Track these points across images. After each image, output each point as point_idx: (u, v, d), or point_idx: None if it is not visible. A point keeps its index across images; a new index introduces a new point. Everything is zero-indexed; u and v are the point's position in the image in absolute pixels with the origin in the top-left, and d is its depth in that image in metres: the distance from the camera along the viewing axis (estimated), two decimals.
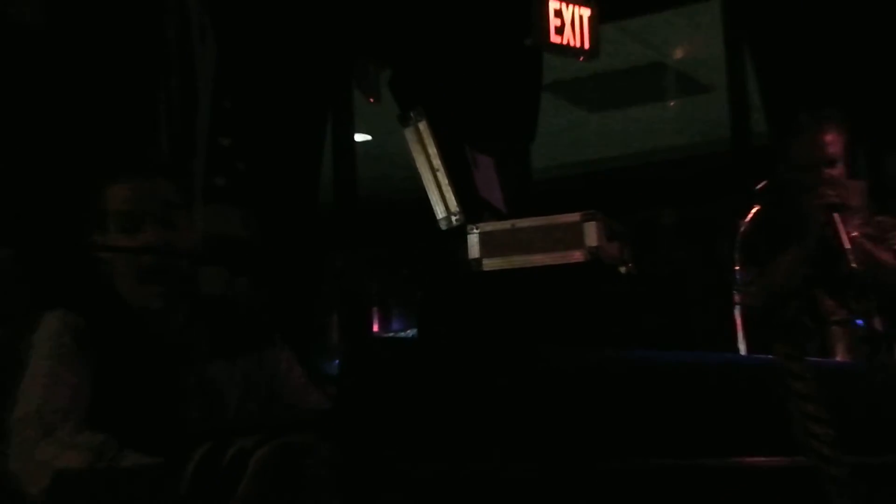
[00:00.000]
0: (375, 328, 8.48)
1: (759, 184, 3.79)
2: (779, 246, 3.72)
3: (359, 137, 7.68)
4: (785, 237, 3.74)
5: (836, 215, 3.60)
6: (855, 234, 3.64)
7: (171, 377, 2.89)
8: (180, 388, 2.89)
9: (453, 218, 3.47)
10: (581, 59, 5.42)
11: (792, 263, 3.68)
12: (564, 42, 5.15)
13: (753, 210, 3.68)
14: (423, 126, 3.60)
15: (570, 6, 5.14)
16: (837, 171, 3.76)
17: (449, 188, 3.51)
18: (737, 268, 3.52)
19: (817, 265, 3.71)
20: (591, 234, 3.29)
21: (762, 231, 3.66)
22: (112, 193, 3.00)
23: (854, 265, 3.50)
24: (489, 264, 3.35)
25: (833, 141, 3.78)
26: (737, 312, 3.43)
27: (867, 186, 3.96)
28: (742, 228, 3.62)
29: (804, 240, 3.69)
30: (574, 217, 3.33)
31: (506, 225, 3.42)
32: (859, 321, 3.55)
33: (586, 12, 5.18)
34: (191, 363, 2.95)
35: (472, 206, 3.54)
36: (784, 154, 3.84)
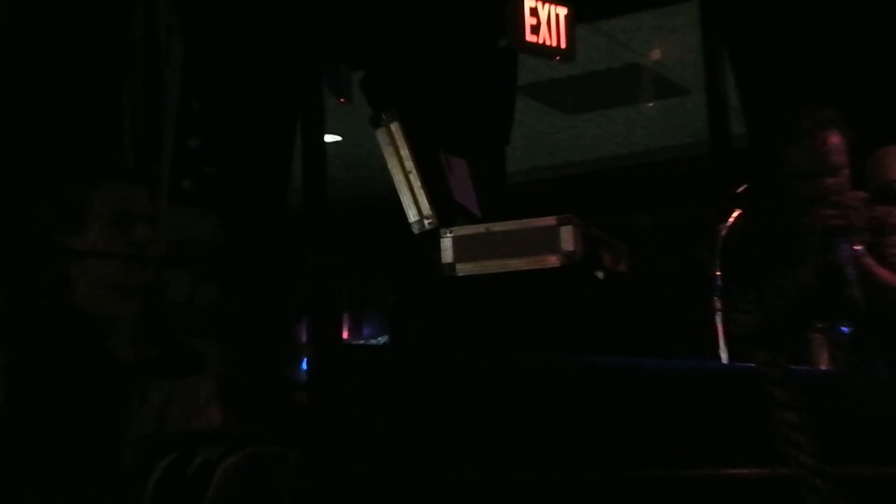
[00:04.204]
0: (346, 335, 8.45)
1: (738, 187, 3.74)
2: (776, 264, 3.62)
3: (329, 139, 7.65)
4: (783, 256, 3.63)
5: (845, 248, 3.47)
6: (858, 247, 3.52)
7: (118, 393, 2.84)
8: (125, 405, 2.84)
9: (426, 221, 3.45)
10: (557, 59, 5.41)
11: (790, 289, 3.56)
12: (540, 42, 5.13)
13: (734, 214, 3.63)
14: (395, 127, 3.58)
15: (546, 5, 5.12)
16: (840, 179, 3.61)
17: (422, 191, 3.50)
18: (717, 273, 3.48)
19: (815, 291, 3.60)
20: (567, 238, 3.28)
21: (755, 243, 3.59)
22: (106, 192, 2.96)
23: (857, 296, 3.44)
24: (463, 269, 3.34)
25: (836, 148, 3.62)
26: (717, 319, 3.41)
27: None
28: (723, 233, 3.57)
29: (803, 266, 3.55)
30: (549, 221, 3.32)
31: (480, 229, 3.41)
32: (843, 328, 3.51)
33: (563, 11, 5.17)
34: (137, 379, 2.89)
35: (446, 210, 3.53)
36: (782, 161, 3.70)
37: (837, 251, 3.54)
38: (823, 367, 3.36)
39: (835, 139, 3.65)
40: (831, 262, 3.55)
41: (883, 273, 3.59)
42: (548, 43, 5.17)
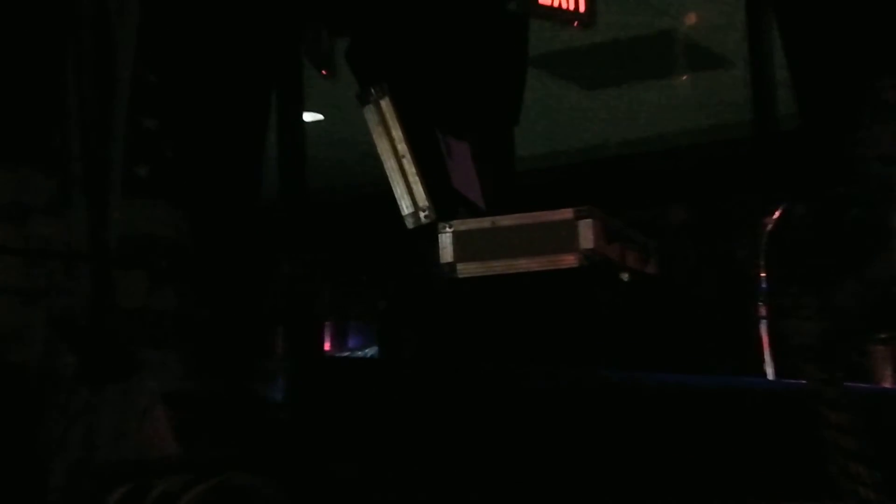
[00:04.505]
0: (328, 346, 8.45)
1: (786, 175, 3.75)
2: (845, 262, 3.61)
3: (309, 118, 7.66)
4: (854, 253, 3.63)
5: None
6: None
7: (30, 405, 2.84)
8: (40, 417, 2.84)
9: (422, 214, 3.46)
10: (575, 25, 5.42)
11: (861, 292, 3.55)
12: (555, 5, 5.14)
13: (783, 205, 3.63)
14: (385, 105, 3.60)
15: None
16: None
17: (417, 179, 3.51)
18: (762, 275, 3.49)
19: (888, 296, 3.60)
20: (587, 234, 3.29)
21: (819, 237, 3.58)
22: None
23: None
24: (465, 270, 3.35)
25: None
26: (762, 328, 3.42)
27: None
28: (769, 228, 3.58)
29: (878, 265, 3.55)
30: (566, 214, 3.33)
31: (485, 223, 3.42)
32: None
33: None
34: (54, 391, 2.89)
35: (445, 201, 3.54)
36: (860, 141, 3.70)
37: None
38: (887, 385, 3.37)
39: None
40: None
41: None
42: (564, 6, 5.18)
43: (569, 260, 3.29)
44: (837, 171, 3.81)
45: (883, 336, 3.51)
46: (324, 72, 5.75)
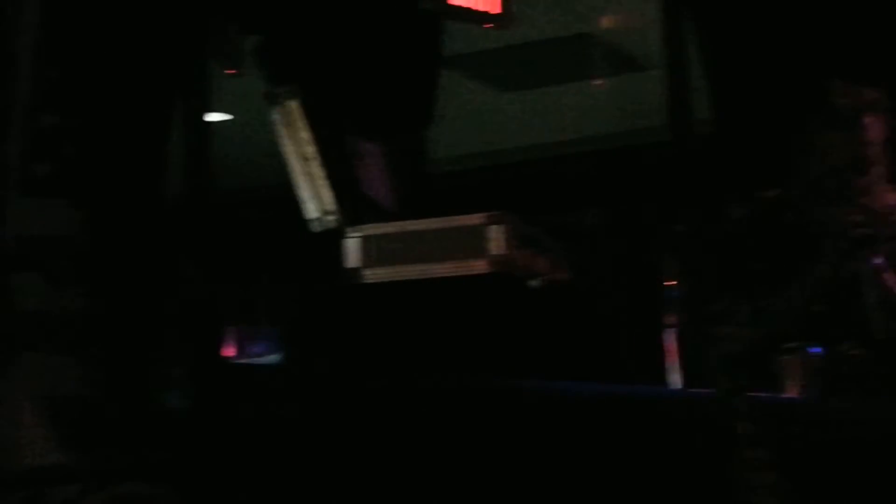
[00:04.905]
0: (231, 352, 8.40)
1: (702, 180, 3.79)
2: (781, 268, 3.63)
3: (215, 117, 7.63)
4: (790, 259, 3.64)
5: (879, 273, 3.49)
6: (878, 260, 3.53)
7: None
8: None
9: (329, 218, 3.47)
10: (490, 26, 5.44)
11: (795, 300, 3.56)
12: (469, 5, 5.16)
13: (704, 211, 3.66)
14: (294, 105, 3.60)
15: None
16: (873, 177, 3.63)
17: (324, 181, 3.51)
18: (672, 282, 3.53)
19: (815, 307, 3.61)
20: (498, 239, 3.31)
21: (754, 240, 3.60)
22: None
23: (875, 317, 3.47)
24: (372, 275, 3.35)
25: (875, 138, 3.65)
26: (670, 336, 3.45)
27: None
28: (682, 234, 3.61)
29: (812, 275, 3.56)
30: (477, 219, 3.35)
31: (394, 228, 3.42)
32: (815, 349, 3.55)
33: None
34: None
35: (353, 204, 3.55)
36: (807, 148, 3.72)
37: (856, 263, 3.57)
38: (793, 395, 3.40)
39: (875, 128, 3.68)
40: (845, 275, 3.58)
41: None
42: (478, 6, 5.20)
43: (479, 266, 3.30)
44: (764, 176, 3.84)
45: (790, 346, 3.54)
46: (230, 70, 5.73)
